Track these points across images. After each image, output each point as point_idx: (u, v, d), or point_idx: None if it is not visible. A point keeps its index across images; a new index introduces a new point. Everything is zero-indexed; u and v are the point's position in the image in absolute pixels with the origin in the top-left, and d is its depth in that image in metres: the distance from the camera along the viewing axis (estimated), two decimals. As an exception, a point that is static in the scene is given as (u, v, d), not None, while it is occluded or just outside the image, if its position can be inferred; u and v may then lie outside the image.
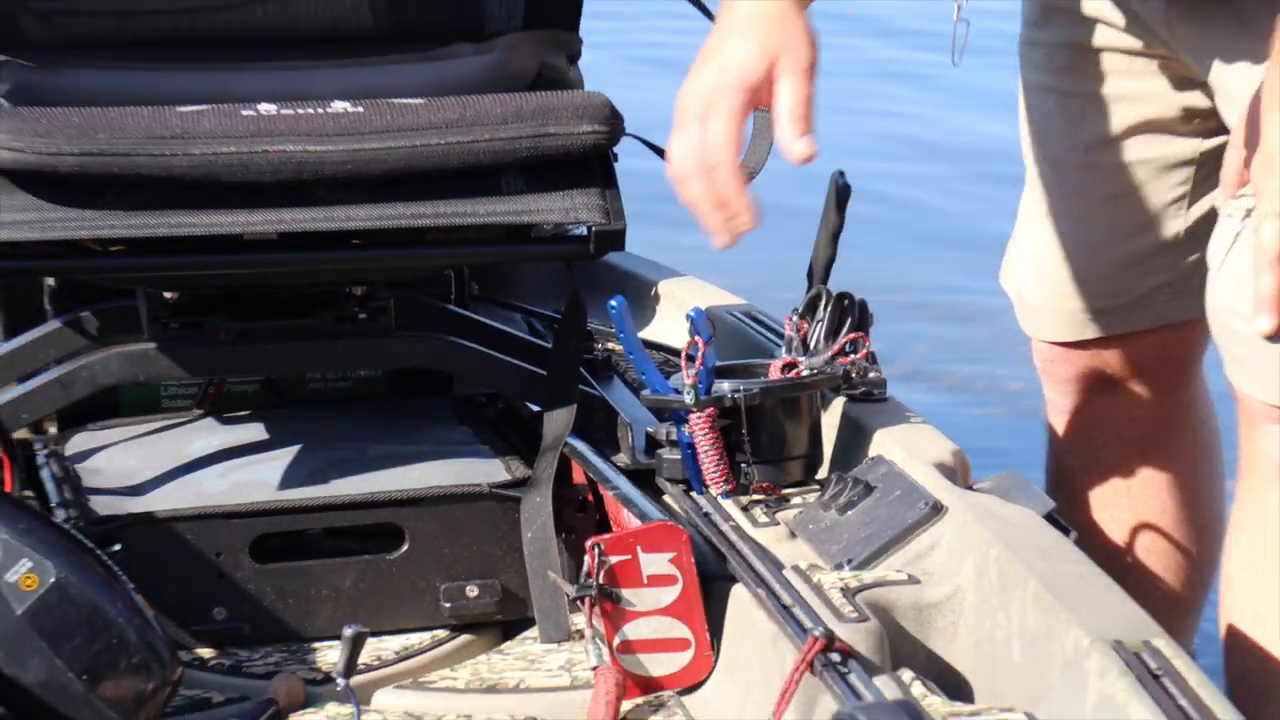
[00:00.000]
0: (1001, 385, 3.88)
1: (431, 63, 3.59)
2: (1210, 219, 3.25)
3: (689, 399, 3.12)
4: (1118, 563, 3.51)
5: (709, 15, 3.47)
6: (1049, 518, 3.02)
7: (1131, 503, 3.66)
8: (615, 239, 3.33)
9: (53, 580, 2.80)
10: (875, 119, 7.37)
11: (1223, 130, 3.20)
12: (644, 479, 3.25)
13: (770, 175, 3.33)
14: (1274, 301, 2.83)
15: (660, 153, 3.20)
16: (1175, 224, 3.43)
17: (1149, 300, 3.48)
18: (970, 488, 3.10)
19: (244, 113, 3.26)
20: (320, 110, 3.30)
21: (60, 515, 3.12)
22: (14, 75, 3.37)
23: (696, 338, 3.15)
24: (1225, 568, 3.34)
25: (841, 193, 3.36)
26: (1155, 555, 3.67)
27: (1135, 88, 3.41)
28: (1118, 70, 3.41)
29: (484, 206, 3.27)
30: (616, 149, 3.52)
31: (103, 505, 3.21)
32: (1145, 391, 3.62)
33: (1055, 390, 3.71)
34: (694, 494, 3.21)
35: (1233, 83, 3.11)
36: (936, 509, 2.98)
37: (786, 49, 2.95)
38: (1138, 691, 2.49)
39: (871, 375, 3.36)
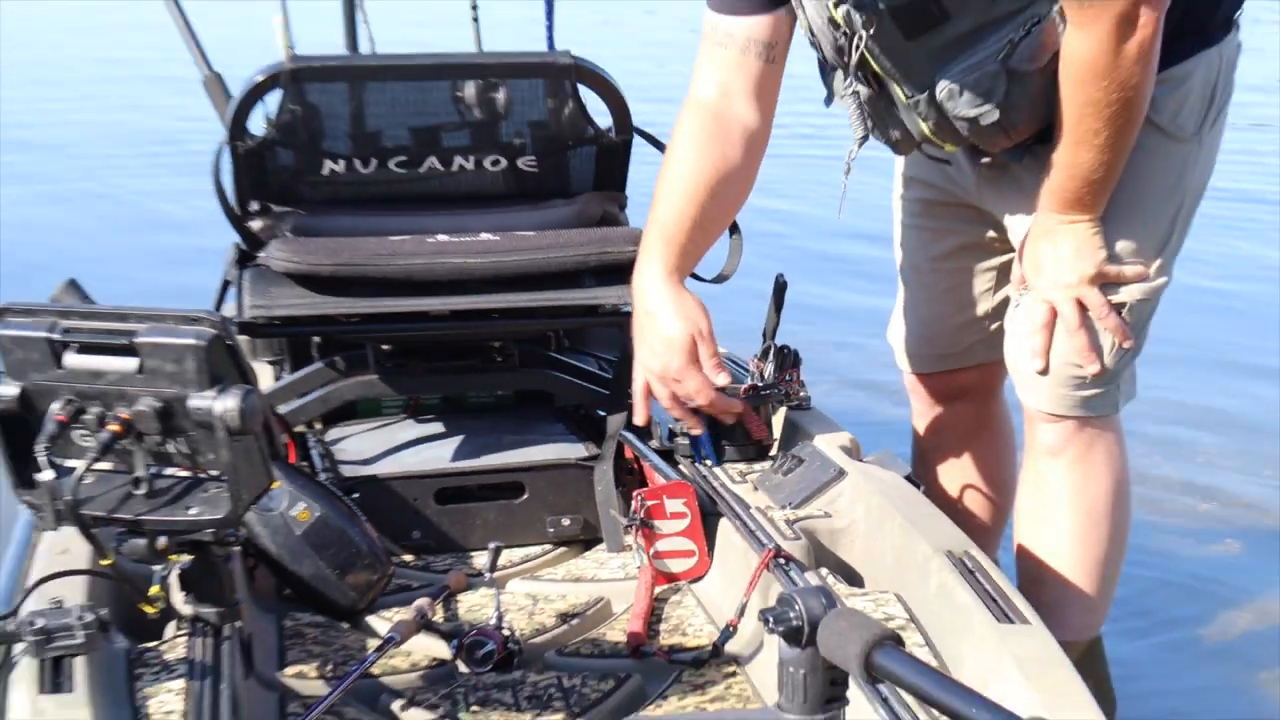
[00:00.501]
0: (889, 392, 4.15)
1: (539, 210, 4.10)
2: (1005, 302, 3.73)
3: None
4: (950, 506, 3.92)
5: (659, 146, 4.00)
6: (908, 478, 3.57)
7: (959, 469, 4.08)
8: None
9: (317, 514, 3.28)
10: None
11: (1011, 251, 3.64)
12: (667, 455, 3.77)
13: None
14: (1043, 351, 3.47)
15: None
16: (985, 305, 3.87)
17: (970, 350, 3.93)
18: (861, 459, 3.64)
19: (429, 240, 3.90)
20: (473, 239, 3.92)
21: (322, 476, 3.69)
22: (294, 219, 3.96)
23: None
24: (1016, 508, 3.79)
25: (780, 288, 3.82)
26: (973, 501, 4.07)
27: (960, 226, 3.83)
28: (950, 216, 3.84)
29: (571, 295, 3.85)
30: None
31: (346, 470, 3.80)
32: (968, 403, 4.03)
33: (915, 401, 4.12)
34: (697, 463, 3.74)
35: (1016, 224, 3.55)
36: (840, 473, 3.54)
37: (697, 321, 3.51)
38: (960, 581, 2.98)
39: (802, 394, 3.84)
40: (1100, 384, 3.49)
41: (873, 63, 3.32)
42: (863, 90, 3.43)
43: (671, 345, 3.50)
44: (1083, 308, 3.39)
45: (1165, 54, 3.22)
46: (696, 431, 3.70)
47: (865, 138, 3.55)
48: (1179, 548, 4.90)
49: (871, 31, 3.22)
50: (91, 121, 12.00)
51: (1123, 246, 3.39)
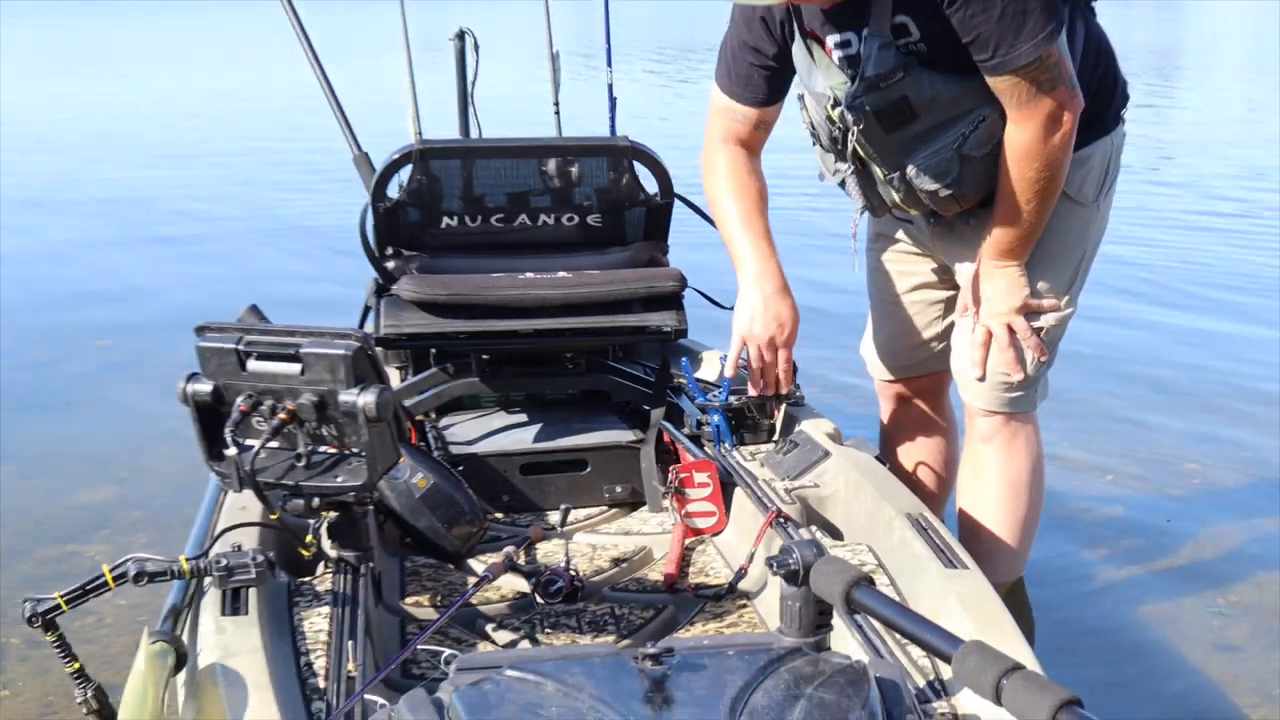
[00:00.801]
0: (862, 393, 4.12)
1: (602, 255, 4.10)
2: (950, 327, 3.75)
3: (719, 400, 3.72)
4: (908, 479, 3.91)
5: (692, 206, 4.17)
6: (876, 458, 3.55)
7: (916, 451, 4.07)
8: (683, 333, 3.90)
9: (432, 482, 3.32)
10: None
11: (955, 288, 3.69)
12: (695, 439, 3.76)
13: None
14: (981, 363, 3.51)
15: (711, 300, 3.97)
16: (936, 328, 3.86)
17: (924, 362, 3.92)
18: (841, 444, 3.62)
19: (519, 277, 3.91)
20: (552, 276, 3.93)
21: (435, 454, 3.69)
22: (419, 261, 3.98)
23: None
24: (958, 481, 3.84)
25: None
26: (926, 476, 4.06)
27: (918, 268, 3.84)
28: (909, 262, 3.85)
29: (624, 319, 3.87)
30: None
31: (454, 449, 3.81)
32: (923, 402, 4.01)
33: (883, 400, 4.11)
34: (717, 445, 3.73)
35: (962, 268, 3.60)
36: (826, 454, 3.53)
37: (796, 310, 3.64)
38: (916, 536, 2.98)
39: (798, 394, 3.83)
40: (1022, 388, 3.55)
41: (858, 149, 3.39)
42: (848, 169, 3.50)
43: (782, 321, 3.60)
44: (1011, 331, 3.46)
45: (1077, 137, 3.31)
46: (754, 391, 3.70)
47: (865, 209, 3.61)
48: (1082, 510, 4.94)
49: (859, 128, 3.30)
50: (237, 195, 12.00)
51: (1042, 285, 3.47)
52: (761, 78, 3.56)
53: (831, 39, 3.32)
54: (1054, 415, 3.66)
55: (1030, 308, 3.44)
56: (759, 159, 3.72)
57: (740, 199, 3.67)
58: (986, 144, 3.28)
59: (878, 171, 3.43)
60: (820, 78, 3.37)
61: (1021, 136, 3.21)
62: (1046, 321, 3.49)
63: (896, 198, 3.47)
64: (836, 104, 3.33)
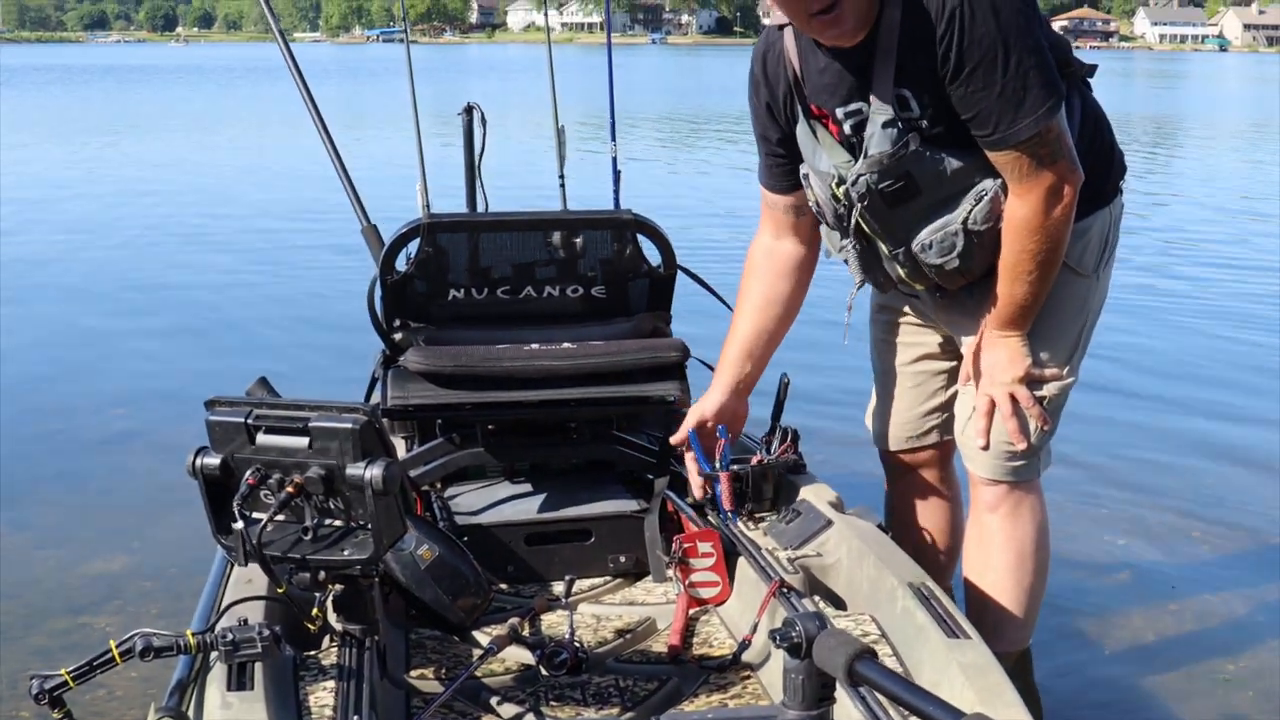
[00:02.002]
0: (865, 461, 4.11)
1: (606, 326, 4.13)
2: (954, 396, 3.74)
3: (719, 469, 3.67)
4: (913, 549, 3.77)
5: (696, 279, 4.26)
6: (879, 526, 3.57)
7: (921, 521, 4.01)
8: (686, 403, 3.89)
9: (437, 553, 3.30)
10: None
11: (958, 359, 3.68)
12: (699, 509, 3.75)
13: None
14: (984, 433, 3.51)
15: (714, 370, 3.85)
16: (940, 399, 3.85)
17: (929, 433, 3.89)
18: (844, 512, 3.62)
19: (524, 348, 3.93)
20: (557, 347, 3.95)
21: (441, 524, 3.68)
22: (426, 332, 4.00)
23: (722, 441, 3.69)
24: (964, 550, 3.79)
25: (783, 385, 3.86)
26: (931, 545, 4.00)
27: (922, 339, 3.83)
28: (914, 333, 3.84)
29: (628, 389, 3.89)
30: None
31: (459, 519, 3.80)
32: (928, 471, 3.97)
33: (888, 470, 4.06)
34: (721, 515, 3.71)
35: (966, 338, 3.58)
36: (829, 522, 3.54)
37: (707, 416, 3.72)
38: (919, 606, 3.00)
39: (801, 462, 3.83)
40: (1026, 457, 3.53)
41: (864, 225, 3.40)
42: (854, 246, 3.50)
43: (721, 417, 3.71)
44: (1014, 400, 3.45)
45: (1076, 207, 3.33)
46: (695, 488, 3.72)
47: (863, 283, 3.62)
48: (1087, 578, 4.91)
49: (864, 204, 3.32)
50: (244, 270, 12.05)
51: (1044, 354, 3.47)
52: (777, 165, 3.60)
53: (839, 111, 3.33)
54: (1058, 483, 3.65)
55: (1032, 377, 3.44)
56: (801, 245, 3.70)
57: (743, 301, 3.76)
58: (991, 218, 3.28)
59: (883, 247, 3.44)
60: (824, 156, 3.39)
61: (1023, 210, 3.21)
62: (1049, 390, 3.48)
63: (902, 273, 3.48)
64: (841, 182, 3.34)
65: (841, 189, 3.35)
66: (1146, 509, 5.70)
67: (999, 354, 3.44)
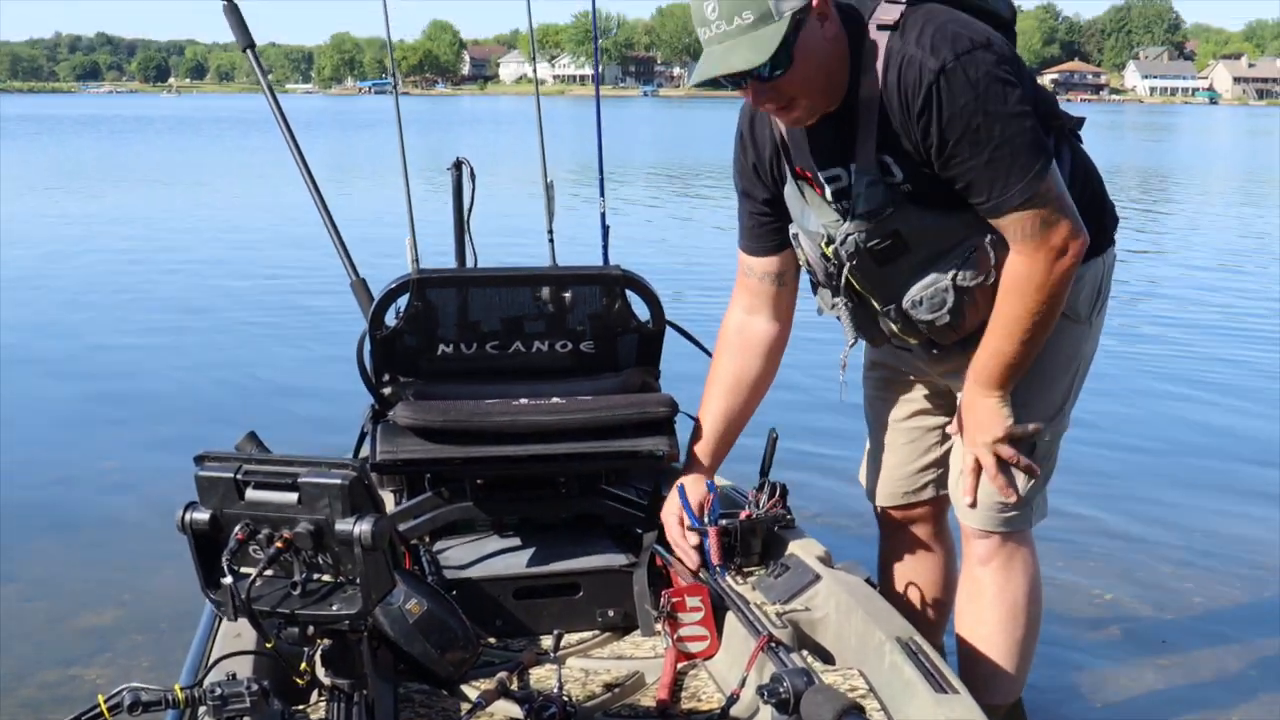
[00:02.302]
0: (854, 514, 4.11)
1: (594, 381, 4.13)
2: (949, 451, 3.74)
3: (707, 523, 3.69)
4: (906, 603, 3.93)
5: (684, 334, 4.30)
6: (869, 581, 3.58)
7: (914, 575, 4.01)
8: (675, 458, 3.90)
9: (426, 607, 3.26)
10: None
11: (954, 412, 3.63)
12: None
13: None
14: (971, 490, 3.52)
15: (694, 419, 3.87)
16: (934, 454, 3.87)
17: (924, 488, 3.91)
18: (832, 566, 3.64)
19: (513, 403, 3.92)
20: (546, 402, 3.95)
21: (429, 578, 3.70)
22: (415, 387, 4.00)
23: (710, 495, 3.71)
24: (956, 604, 3.78)
25: (772, 440, 3.85)
26: (924, 600, 4.01)
27: (916, 394, 3.86)
28: (907, 389, 3.87)
29: (617, 444, 3.87)
30: None
31: (448, 573, 3.81)
32: (922, 525, 3.99)
33: (881, 525, 4.08)
34: (710, 569, 3.70)
35: (962, 391, 3.53)
36: (817, 577, 3.56)
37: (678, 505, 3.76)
38: (906, 660, 3.02)
39: (789, 517, 3.83)
40: (1017, 508, 3.54)
41: (854, 283, 3.44)
42: (845, 304, 3.52)
43: (667, 514, 3.78)
44: (999, 458, 3.45)
45: None
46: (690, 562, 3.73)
47: (855, 341, 3.65)
48: (1079, 631, 4.92)
49: (854, 263, 3.36)
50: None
51: (1035, 400, 3.47)
52: (761, 225, 3.61)
53: (822, 174, 3.36)
54: (1049, 535, 3.66)
55: (1014, 435, 3.44)
56: (774, 320, 3.73)
57: (715, 381, 3.80)
58: (981, 274, 3.29)
59: (875, 304, 3.47)
60: (813, 216, 3.42)
61: (1025, 267, 3.21)
62: (1039, 439, 3.49)
63: (895, 328, 3.50)
64: (830, 241, 3.38)
65: (831, 248, 3.38)
66: (1137, 560, 5.72)
67: (979, 414, 3.43)
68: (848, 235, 3.32)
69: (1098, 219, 3.47)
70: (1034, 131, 3.12)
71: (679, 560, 3.76)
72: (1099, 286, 3.53)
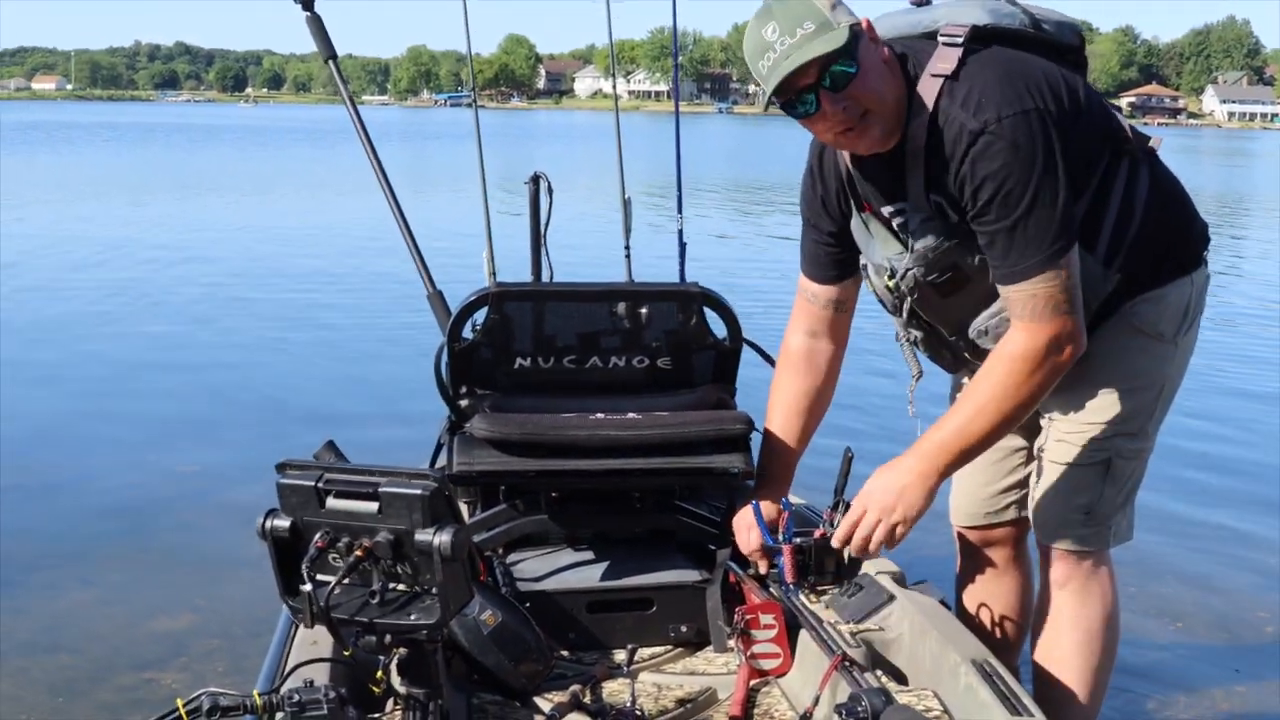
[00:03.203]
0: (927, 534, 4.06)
1: (670, 396, 4.13)
2: (1030, 474, 3.68)
3: (782, 541, 3.69)
4: (982, 625, 3.87)
5: (761, 352, 4.29)
6: (942, 602, 3.57)
7: (991, 597, 3.95)
8: (750, 475, 3.87)
9: (500, 619, 3.31)
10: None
11: (1037, 433, 3.59)
12: (761, 580, 3.74)
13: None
14: (841, 539, 3.47)
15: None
16: (1018, 475, 3.78)
17: (1006, 508, 3.85)
18: (905, 587, 3.64)
19: (590, 417, 3.94)
20: (622, 417, 3.95)
21: (504, 590, 3.69)
22: (492, 400, 4.00)
23: (785, 513, 3.72)
24: (1033, 627, 3.71)
25: (848, 459, 3.71)
26: (1001, 622, 3.94)
27: None
28: None
29: (692, 460, 3.86)
30: None
31: (522, 586, 3.80)
32: (1001, 547, 3.92)
33: (960, 545, 4.02)
34: (784, 587, 3.69)
35: (1046, 411, 3.51)
36: (891, 597, 3.55)
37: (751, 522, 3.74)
38: (981, 683, 2.99)
39: None
40: (1094, 525, 3.50)
41: (921, 314, 3.47)
42: (917, 332, 3.56)
43: (738, 527, 3.78)
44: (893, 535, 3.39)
45: (1150, 277, 3.36)
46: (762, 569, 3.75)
47: (920, 375, 3.67)
48: (1152, 658, 4.90)
49: (915, 296, 3.41)
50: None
51: (1116, 416, 3.43)
52: (825, 254, 3.64)
53: (885, 209, 3.38)
54: (1122, 560, 3.64)
55: (897, 540, 3.38)
56: (833, 343, 3.76)
57: (783, 399, 3.79)
58: None
59: (943, 332, 3.49)
60: (878, 249, 3.44)
61: (1021, 344, 3.19)
62: (1113, 452, 3.45)
63: (965, 356, 3.52)
64: (892, 275, 3.41)
65: (893, 281, 3.41)
66: (1211, 586, 5.68)
67: (909, 492, 3.33)
68: (907, 270, 3.36)
69: (1182, 238, 3.46)
70: (1065, 208, 3.11)
71: (752, 576, 3.76)
72: (1186, 307, 3.47)
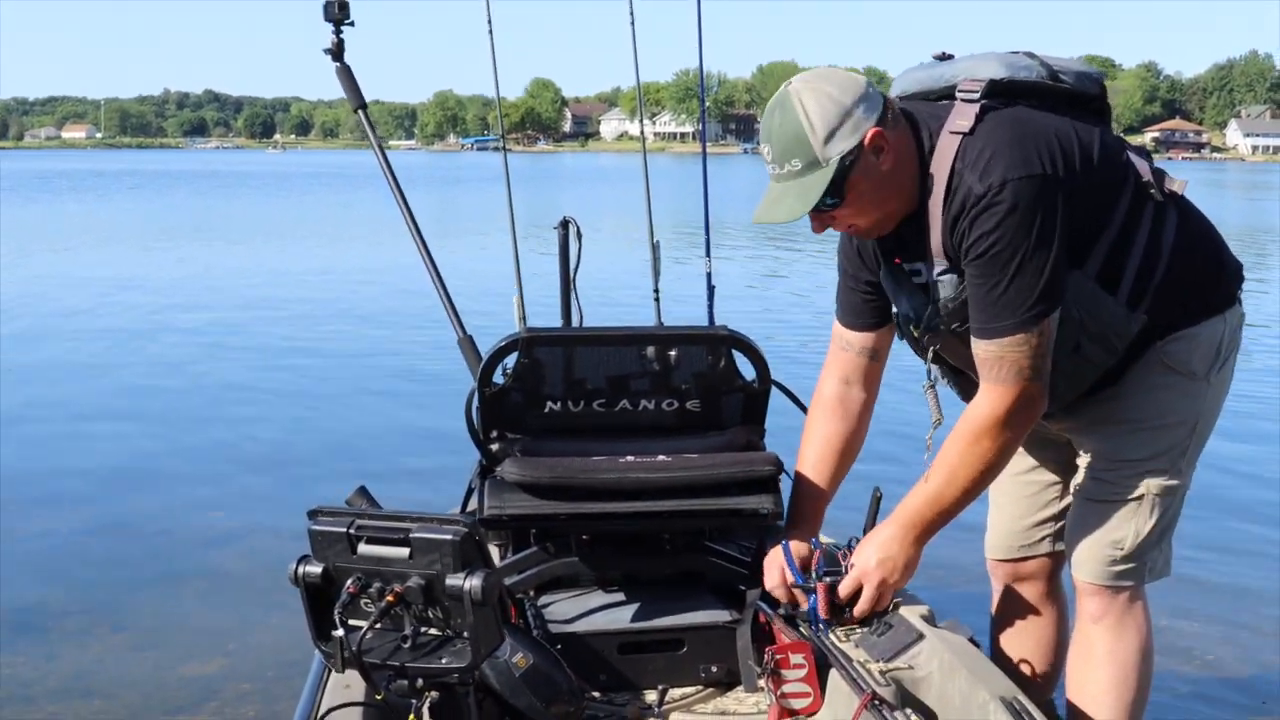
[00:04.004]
0: (958, 572, 4.06)
1: (700, 439, 4.11)
2: (1066, 508, 3.73)
3: (813, 581, 3.67)
4: (1016, 661, 3.89)
5: (790, 395, 4.28)
6: (971, 639, 3.52)
7: (1026, 633, 3.95)
8: (779, 516, 3.87)
9: (532, 661, 3.30)
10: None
11: (1074, 469, 3.64)
12: (791, 621, 3.71)
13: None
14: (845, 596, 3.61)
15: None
16: (1053, 509, 3.85)
17: (1040, 542, 3.89)
18: (935, 625, 3.59)
19: (619, 460, 3.92)
20: (652, 459, 3.93)
21: (535, 633, 3.69)
22: (522, 443, 3.99)
23: (816, 552, 3.71)
24: (1068, 663, 3.69)
25: (876, 499, 3.78)
26: (1034, 658, 3.93)
27: (1036, 449, 3.83)
28: (1029, 442, 3.69)
29: (721, 502, 3.85)
30: None
31: (553, 628, 3.80)
32: (1035, 581, 3.93)
33: (994, 579, 4.04)
34: (814, 625, 3.67)
35: (1082, 444, 3.58)
36: (920, 636, 3.51)
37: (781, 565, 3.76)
38: (1011, 720, 3.02)
39: None
40: (1130, 561, 3.51)
41: (948, 359, 3.56)
42: (947, 375, 3.66)
43: (769, 567, 3.78)
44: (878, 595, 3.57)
45: (1181, 316, 3.40)
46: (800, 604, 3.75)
47: (939, 422, 3.66)
48: (1182, 691, 4.90)
49: (938, 345, 3.50)
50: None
51: (1150, 453, 3.46)
52: (862, 302, 3.70)
53: (906, 267, 3.46)
54: (1154, 591, 3.66)
55: (883, 605, 3.58)
56: (865, 391, 3.81)
57: (816, 443, 3.83)
58: (1067, 347, 3.31)
59: (970, 375, 3.50)
60: (905, 300, 3.50)
61: (985, 409, 3.30)
62: (1149, 489, 3.46)
63: None
64: (916, 324, 3.46)
65: (918, 330, 3.47)
66: (1240, 619, 5.69)
67: (891, 558, 3.53)
68: (931, 320, 3.42)
69: (1213, 278, 3.48)
70: (1052, 275, 3.17)
71: (782, 616, 3.75)
72: (1219, 345, 3.48)
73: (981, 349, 3.27)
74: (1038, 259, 3.15)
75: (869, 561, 3.53)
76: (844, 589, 3.55)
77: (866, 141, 3.18)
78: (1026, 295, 3.17)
